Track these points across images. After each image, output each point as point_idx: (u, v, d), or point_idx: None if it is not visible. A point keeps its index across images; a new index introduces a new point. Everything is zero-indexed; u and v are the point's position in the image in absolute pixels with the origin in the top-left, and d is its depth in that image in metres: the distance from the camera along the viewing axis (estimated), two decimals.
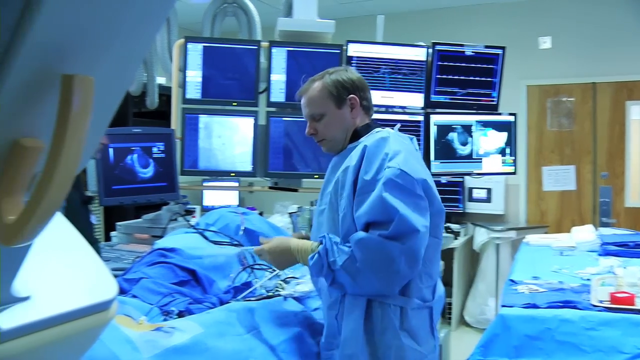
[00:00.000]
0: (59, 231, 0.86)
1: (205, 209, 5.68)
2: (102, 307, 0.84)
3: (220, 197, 6.41)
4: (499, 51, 3.72)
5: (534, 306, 2.40)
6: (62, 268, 0.85)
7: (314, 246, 1.85)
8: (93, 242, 2.61)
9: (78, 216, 2.40)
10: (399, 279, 1.73)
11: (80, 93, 0.54)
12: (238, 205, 5.93)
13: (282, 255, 1.94)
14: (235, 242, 2.57)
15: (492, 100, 3.76)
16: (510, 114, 3.80)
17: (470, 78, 3.69)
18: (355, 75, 2.00)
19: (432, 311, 1.88)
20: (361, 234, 1.73)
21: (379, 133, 1.89)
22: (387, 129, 1.95)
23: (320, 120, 1.95)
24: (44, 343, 0.76)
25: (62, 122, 0.54)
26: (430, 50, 3.62)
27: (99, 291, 0.85)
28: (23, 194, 0.59)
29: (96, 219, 2.79)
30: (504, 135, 3.75)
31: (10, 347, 0.71)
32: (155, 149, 3.14)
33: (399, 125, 2.02)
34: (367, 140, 1.86)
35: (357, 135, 1.95)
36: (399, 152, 1.77)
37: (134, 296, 1.98)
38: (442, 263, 3.68)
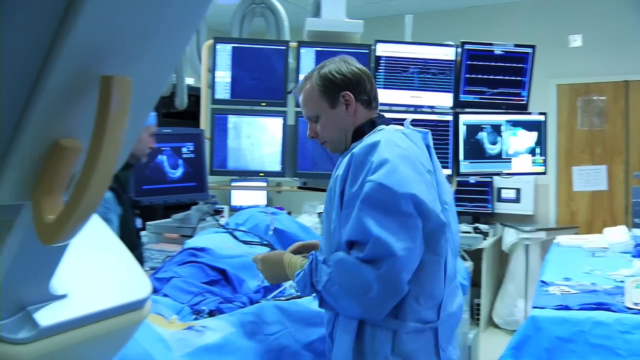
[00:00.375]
0: (94, 231, 0.87)
1: (234, 209, 5.72)
2: (136, 305, 0.85)
3: (248, 197, 6.45)
4: (529, 50, 3.68)
5: (566, 308, 2.36)
6: (98, 267, 0.86)
7: (303, 262, 1.73)
8: (138, 246, 2.61)
9: (128, 219, 2.42)
10: (378, 306, 1.57)
11: (119, 94, 0.55)
12: (266, 205, 5.95)
13: (273, 268, 1.83)
14: (265, 242, 2.58)
15: (522, 100, 3.72)
16: (540, 114, 3.76)
17: (500, 77, 3.66)
18: (349, 67, 1.79)
19: (437, 332, 1.66)
20: (340, 254, 1.60)
21: (377, 134, 1.70)
22: (392, 126, 1.77)
23: (317, 122, 1.82)
24: (81, 340, 0.77)
25: (101, 122, 0.55)
26: (459, 50, 3.60)
27: (133, 290, 0.86)
28: (62, 193, 0.60)
29: (141, 222, 2.78)
30: (533, 135, 3.71)
31: (48, 344, 0.73)
32: (184, 149, 3.17)
33: (409, 119, 1.83)
34: (367, 140, 1.67)
35: (360, 133, 1.76)
36: (386, 161, 1.57)
37: (165, 295, 1.99)
38: (470, 264, 3.68)
